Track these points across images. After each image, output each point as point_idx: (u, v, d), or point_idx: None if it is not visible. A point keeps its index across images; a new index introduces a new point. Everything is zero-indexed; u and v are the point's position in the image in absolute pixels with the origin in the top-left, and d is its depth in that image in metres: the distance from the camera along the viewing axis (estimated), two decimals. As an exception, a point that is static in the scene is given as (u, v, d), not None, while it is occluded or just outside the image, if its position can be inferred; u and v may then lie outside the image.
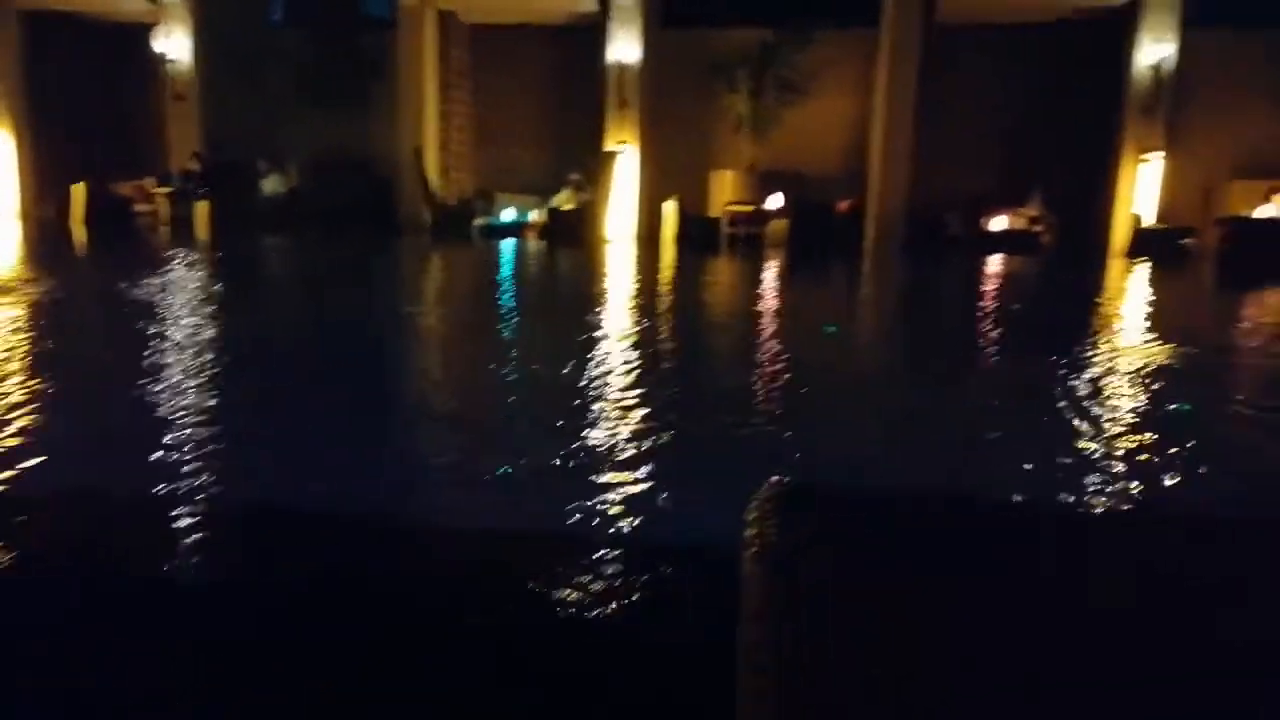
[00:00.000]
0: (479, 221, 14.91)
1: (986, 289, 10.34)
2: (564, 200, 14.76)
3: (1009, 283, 10.89)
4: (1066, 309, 8.28)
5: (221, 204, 13.95)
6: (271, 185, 15.25)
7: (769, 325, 6.74)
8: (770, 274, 11.15)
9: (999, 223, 13.80)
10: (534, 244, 14.28)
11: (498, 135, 15.85)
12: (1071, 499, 2.71)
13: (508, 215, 15.09)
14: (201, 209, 13.86)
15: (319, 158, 15.27)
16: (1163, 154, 13.01)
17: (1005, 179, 14.16)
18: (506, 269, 11.26)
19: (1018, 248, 13.36)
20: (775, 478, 1.03)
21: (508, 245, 13.87)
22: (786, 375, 4.68)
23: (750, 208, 14.08)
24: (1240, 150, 13.37)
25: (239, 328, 5.94)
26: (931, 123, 13.75)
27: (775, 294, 9.30)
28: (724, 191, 14.57)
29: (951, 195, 14.07)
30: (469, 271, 11.47)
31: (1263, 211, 12.57)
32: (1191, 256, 12.87)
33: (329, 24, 15.22)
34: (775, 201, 14.04)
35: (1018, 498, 2.71)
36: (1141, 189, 13.17)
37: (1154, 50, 12.72)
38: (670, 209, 14.42)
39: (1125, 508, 2.54)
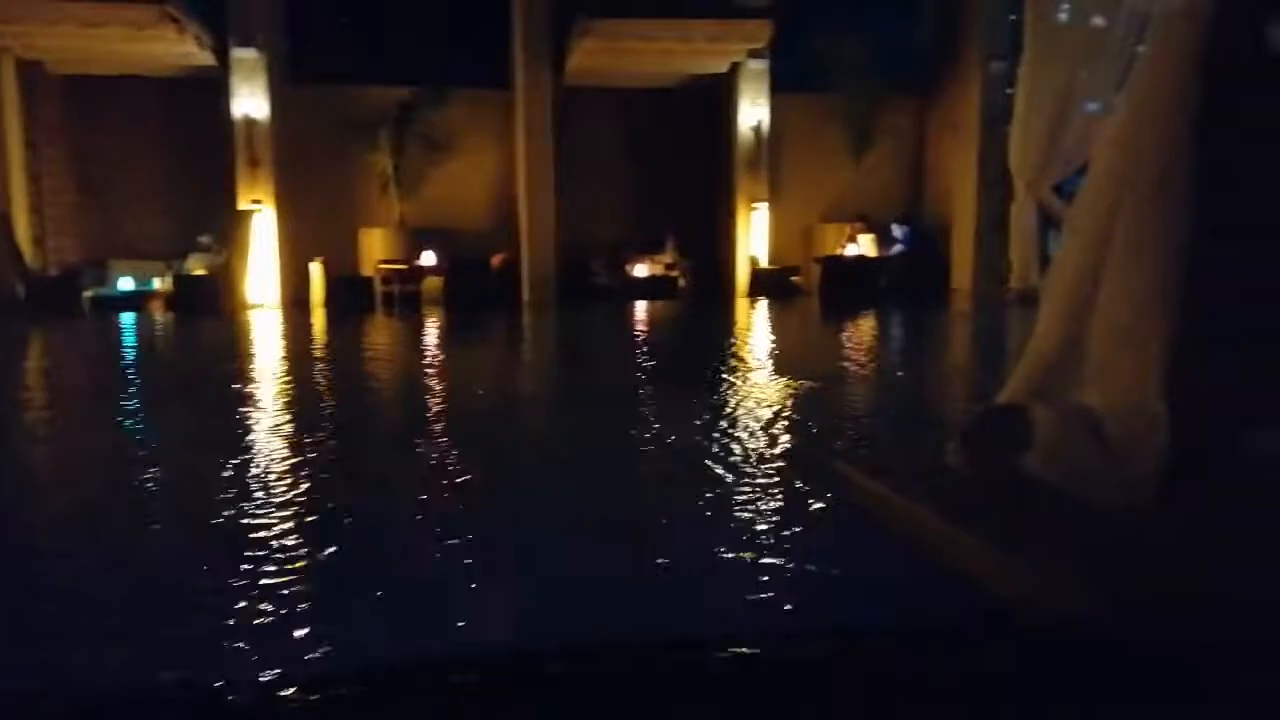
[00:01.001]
0: (89, 293, 13.19)
1: (639, 333, 11.09)
2: (194, 265, 13.54)
3: (656, 327, 11.77)
4: (704, 350, 9.15)
5: None
6: None
7: (442, 393, 6.67)
8: (432, 333, 11.07)
9: (641, 270, 14.90)
10: (160, 316, 12.91)
11: (108, 196, 14.16)
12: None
13: (125, 285, 13.51)
14: None
15: None
16: (767, 203, 14.85)
17: (641, 228, 15.33)
18: (120, 348, 10.06)
19: (659, 293, 14.51)
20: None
21: (127, 319, 12.40)
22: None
23: (403, 265, 13.89)
24: (828, 197, 15.61)
25: None
26: (571, 177, 14.58)
27: (442, 356, 9.23)
28: (375, 249, 14.23)
29: (596, 245, 14.98)
30: (67, 355, 10.07)
31: (850, 250, 14.78)
32: (799, 292, 14.78)
33: None
34: (429, 258, 13.98)
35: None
36: (755, 234, 14.91)
37: (752, 113, 14.54)
38: (317, 270, 13.81)
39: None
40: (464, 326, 11.97)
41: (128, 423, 5.61)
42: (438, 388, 6.83)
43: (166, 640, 2.36)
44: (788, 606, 2.51)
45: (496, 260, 14.20)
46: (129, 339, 10.79)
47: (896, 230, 14.97)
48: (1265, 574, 2.22)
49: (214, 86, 13.26)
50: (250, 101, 13.21)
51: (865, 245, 14.74)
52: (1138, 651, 1.71)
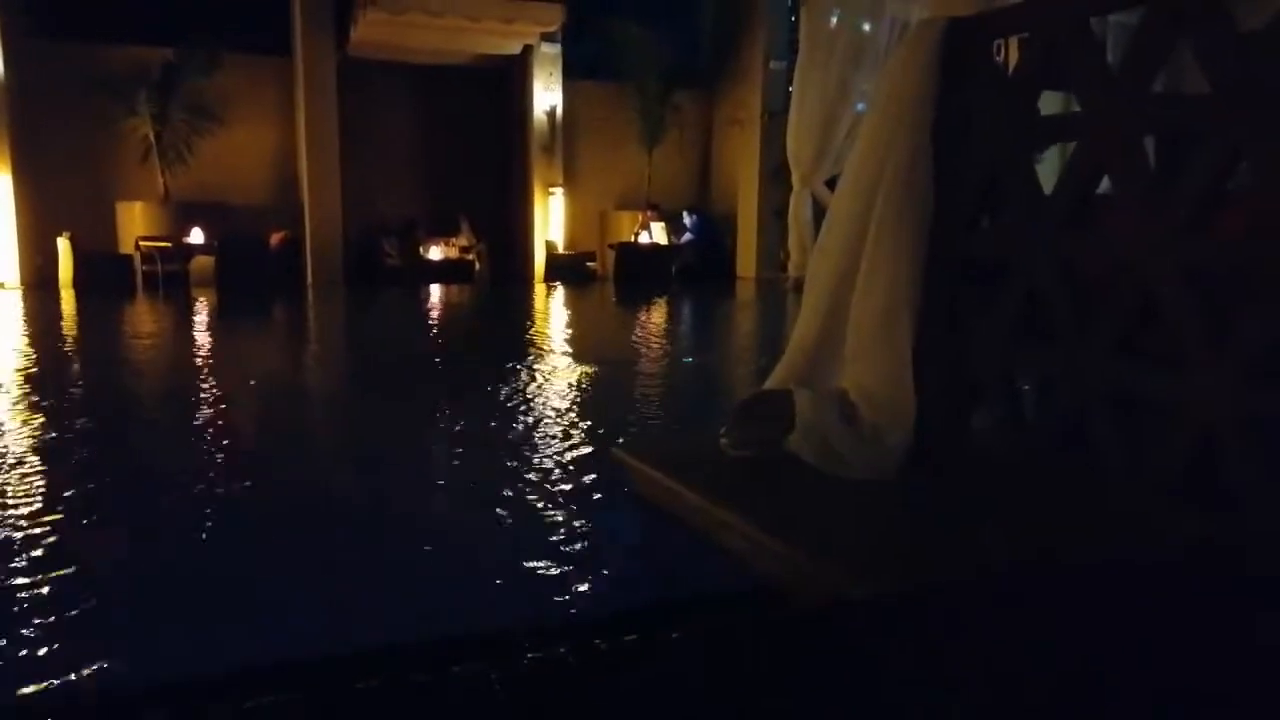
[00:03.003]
0: None
1: (434, 318, 10.78)
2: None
3: (451, 311, 11.49)
4: (501, 334, 9.03)
5: None
6: None
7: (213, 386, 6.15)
8: (200, 317, 10.25)
9: (435, 252, 14.50)
10: None
11: None
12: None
13: None
14: None
15: None
16: (562, 188, 14.85)
17: (433, 208, 14.91)
18: None
19: (455, 276, 14.18)
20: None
21: None
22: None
23: (168, 243, 12.75)
24: (623, 185, 15.83)
25: None
26: (359, 154, 13.95)
27: (210, 343, 8.55)
28: (135, 225, 12.98)
29: (385, 224, 14.42)
30: None
31: (642, 237, 15.06)
32: (594, 277, 14.91)
33: None
34: (197, 235, 12.92)
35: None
36: (550, 219, 14.88)
37: (546, 97, 14.47)
38: (64, 246, 12.45)
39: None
40: (237, 310, 11.16)
41: None
42: (203, 379, 6.31)
43: None
44: (557, 588, 2.50)
45: (276, 238, 13.34)
46: None
47: (687, 219, 15.43)
48: (969, 534, 2.45)
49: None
50: (-23, 55, 11.66)
51: (658, 233, 15.08)
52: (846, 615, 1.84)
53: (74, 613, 2.33)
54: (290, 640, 2.21)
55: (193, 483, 3.57)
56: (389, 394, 5.80)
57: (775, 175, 14.10)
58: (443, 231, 14.68)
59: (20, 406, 5.03)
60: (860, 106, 4.72)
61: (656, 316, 11.04)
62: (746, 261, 15.62)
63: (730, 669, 1.54)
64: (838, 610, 2.02)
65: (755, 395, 3.49)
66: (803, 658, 1.59)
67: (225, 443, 4.33)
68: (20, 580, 2.52)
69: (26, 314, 10.06)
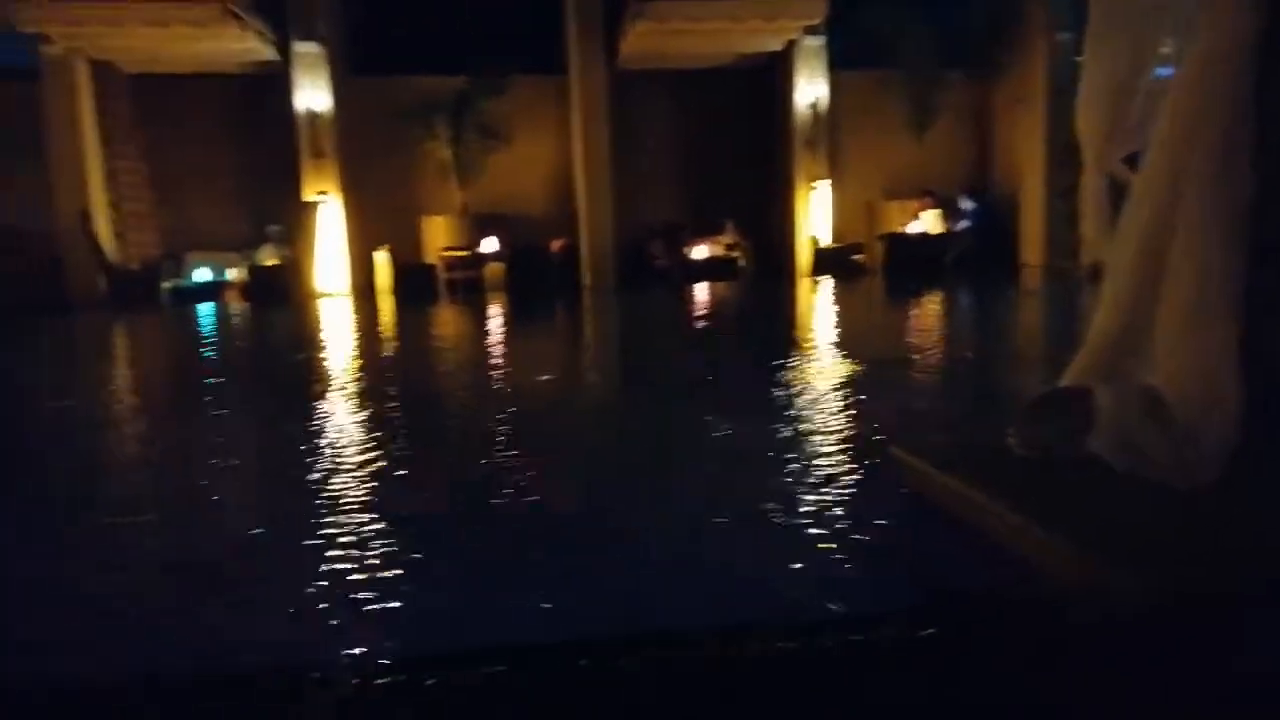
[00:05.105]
0: (168, 285, 13.68)
1: (701, 316, 11.03)
2: (265, 256, 13.93)
3: (718, 308, 11.71)
4: (768, 331, 9.08)
5: None
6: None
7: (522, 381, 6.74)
8: (497, 319, 11.18)
9: (700, 251, 14.80)
10: (236, 305, 13.34)
11: (182, 191, 14.59)
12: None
13: (201, 276, 13.98)
14: None
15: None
16: (828, 180, 14.60)
17: (698, 209, 15.25)
18: (207, 337, 10.41)
19: (720, 274, 14.41)
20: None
21: (205, 309, 12.85)
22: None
23: (465, 252, 14.06)
24: (890, 174, 15.30)
25: None
26: (627, 160, 14.56)
27: (527, 342, 9.33)
28: (437, 237, 14.44)
29: (652, 226, 14.95)
30: (156, 345, 10.45)
31: (914, 227, 14.47)
32: (863, 270, 14.52)
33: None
34: (490, 245, 14.13)
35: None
36: (815, 213, 14.68)
37: (809, 90, 14.29)
38: (382, 258, 14.07)
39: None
40: (525, 312, 12.05)
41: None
42: (499, 372, 6.90)
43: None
44: (840, 586, 2.48)
45: (556, 245, 14.29)
46: (211, 329, 11.14)
47: (965, 203, 14.58)
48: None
49: (278, 81, 13.56)
50: (313, 94, 13.48)
51: (930, 221, 14.42)
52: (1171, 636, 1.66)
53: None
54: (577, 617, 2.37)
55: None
56: (662, 388, 6.02)
57: (1063, 154, 12.98)
58: (707, 231, 14.95)
59: (359, 400, 5.76)
60: (1162, 72, 4.26)
61: (931, 309, 10.58)
62: (1032, 248, 14.52)
63: (1019, 674, 1.47)
64: (1152, 618, 1.85)
65: (1048, 392, 3.26)
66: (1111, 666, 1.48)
67: (519, 437, 4.72)
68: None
69: (359, 317, 11.49)
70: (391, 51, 14.22)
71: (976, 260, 13.97)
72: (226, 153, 14.62)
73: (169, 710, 1.78)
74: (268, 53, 13.37)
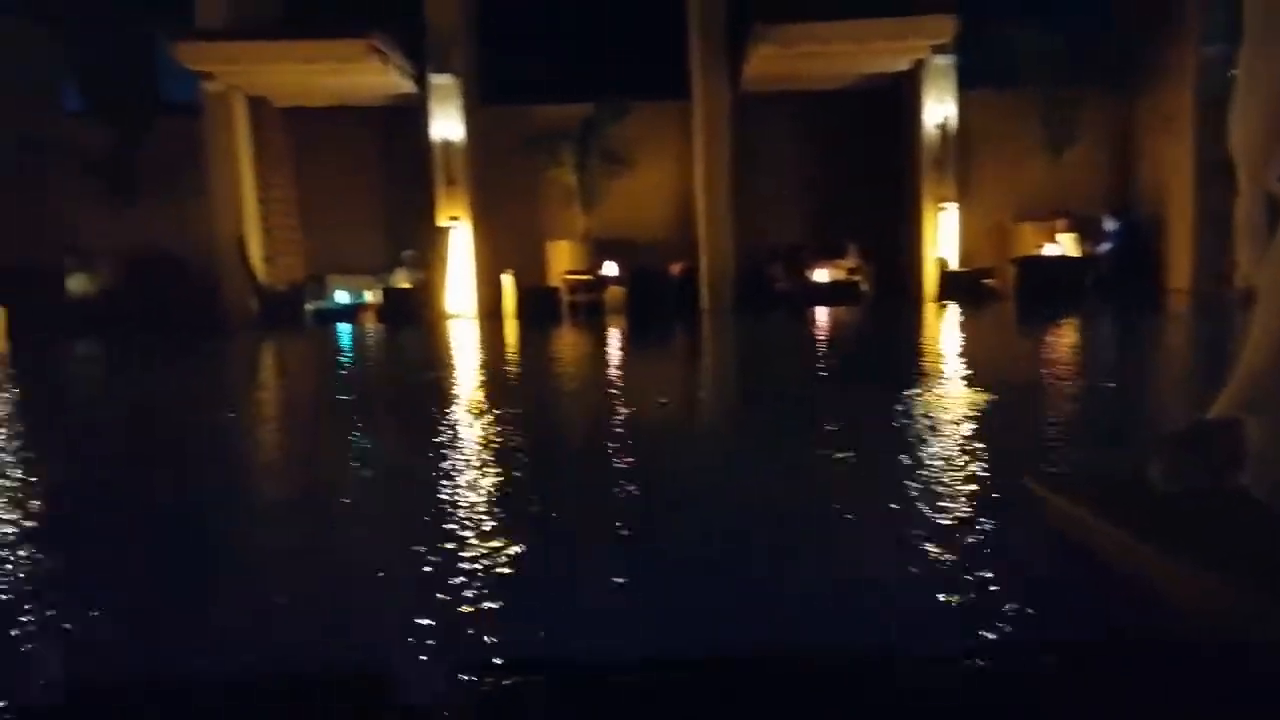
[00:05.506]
0: (311, 306, 14.49)
1: (821, 340, 10.87)
2: (400, 279, 14.58)
3: (839, 332, 11.52)
4: (892, 357, 8.87)
5: (24, 308, 12.87)
6: (79, 285, 14.32)
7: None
8: (616, 342, 11.34)
9: (821, 275, 14.61)
10: (371, 326, 14.01)
11: (326, 217, 15.48)
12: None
13: (341, 298, 14.76)
14: (-2, 315, 12.72)
15: (131, 253, 14.45)
16: (956, 203, 14.19)
17: (818, 232, 15.09)
18: (350, 356, 10.97)
19: (841, 298, 14.18)
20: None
21: (344, 329, 13.54)
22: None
23: (588, 276, 14.35)
24: (1023, 195, 14.77)
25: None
26: (747, 184, 14.56)
27: (656, 365, 9.45)
28: (560, 261, 14.80)
29: (772, 249, 14.88)
30: (313, 361, 11.06)
31: (1050, 250, 13.89)
32: (993, 295, 14.01)
33: (127, 111, 14.56)
34: (611, 269, 14.38)
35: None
36: (942, 235, 14.28)
37: (938, 110, 13.95)
38: (508, 281, 14.50)
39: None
40: (646, 335, 12.17)
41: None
42: (620, 396, 7.00)
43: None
44: (967, 620, 2.41)
45: (676, 269, 14.40)
46: (351, 349, 11.73)
47: (1108, 223, 13.89)
48: None
49: (414, 112, 14.23)
50: (446, 124, 14.08)
51: (1066, 244, 13.81)
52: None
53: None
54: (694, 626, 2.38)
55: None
56: (782, 415, 5.96)
57: (1214, 173, 12.22)
58: (829, 254, 14.76)
59: (490, 416, 5.96)
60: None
61: (1068, 336, 10.10)
62: (1179, 272, 13.69)
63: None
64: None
65: (1193, 424, 3.08)
66: None
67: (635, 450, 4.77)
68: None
69: (487, 338, 11.86)
70: (520, 81, 14.73)
71: (1119, 284, 13.28)
72: (366, 180, 15.44)
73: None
74: (406, 85, 14.06)
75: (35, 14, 14.10)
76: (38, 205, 14.17)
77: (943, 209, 14.22)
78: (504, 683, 2.23)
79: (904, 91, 14.53)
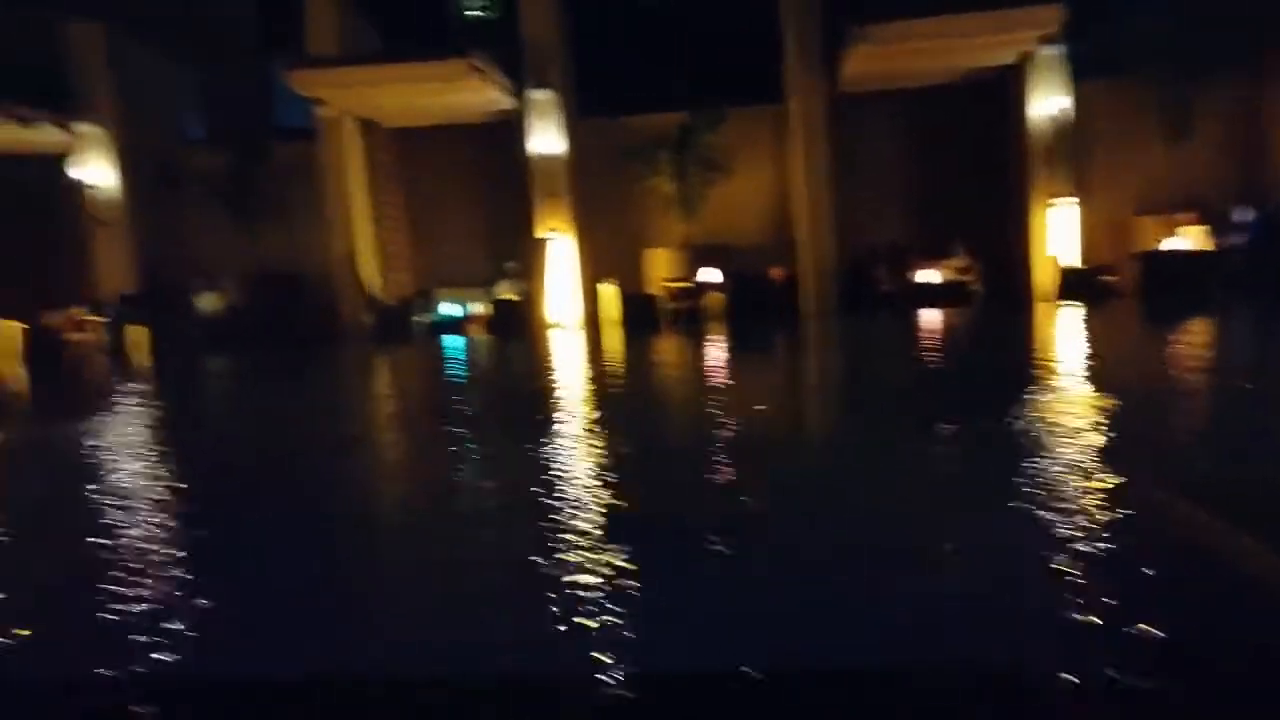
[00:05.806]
0: (419, 319, 14.93)
1: (931, 344, 10.53)
2: (503, 290, 14.88)
3: (949, 335, 11.14)
4: (1006, 360, 8.53)
5: (161, 327, 13.71)
6: (209, 304, 15.16)
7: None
8: (720, 350, 11.25)
9: (928, 275, 14.17)
10: (478, 336, 14.35)
11: (433, 233, 15.98)
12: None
13: (448, 310, 15.16)
14: (138, 334, 13.56)
15: (254, 271, 15.23)
16: (1072, 198, 13.56)
17: (922, 232, 14.67)
18: (464, 368, 11.25)
19: (950, 299, 13.72)
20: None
21: (452, 341, 13.90)
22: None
23: (687, 283, 14.33)
24: (1144, 188, 14.04)
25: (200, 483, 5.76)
26: (847, 185, 14.28)
27: (736, 373, 9.39)
28: (659, 269, 14.83)
29: (875, 250, 14.53)
30: (430, 376, 11.39)
31: (1171, 244, 13.14)
32: (1114, 293, 13.31)
33: (246, 137, 15.32)
34: (710, 275, 14.31)
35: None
36: (1056, 232, 13.66)
37: (1050, 103, 13.37)
38: (609, 290, 14.60)
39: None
40: (750, 341, 12.04)
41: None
42: (725, 404, 6.95)
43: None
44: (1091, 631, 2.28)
45: (776, 273, 14.24)
46: (466, 360, 12.02)
47: (1240, 215, 13.03)
48: None
49: (514, 128, 14.51)
50: (545, 138, 14.31)
51: (1193, 237, 13.03)
52: None
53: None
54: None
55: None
56: (889, 423, 5.80)
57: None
58: (935, 254, 14.32)
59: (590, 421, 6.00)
60: None
61: (1197, 336, 9.52)
62: (1319, 264, 12.73)
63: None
64: None
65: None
66: None
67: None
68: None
69: (590, 347, 11.98)
70: (616, 93, 14.84)
71: (1253, 279, 12.43)
72: (469, 195, 15.85)
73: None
74: (506, 102, 14.35)
75: (162, 47, 15.04)
76: (170, 230, 15.09)
77: (1054, 204, 13.62)
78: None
79: (1010, 85, 14.00)
